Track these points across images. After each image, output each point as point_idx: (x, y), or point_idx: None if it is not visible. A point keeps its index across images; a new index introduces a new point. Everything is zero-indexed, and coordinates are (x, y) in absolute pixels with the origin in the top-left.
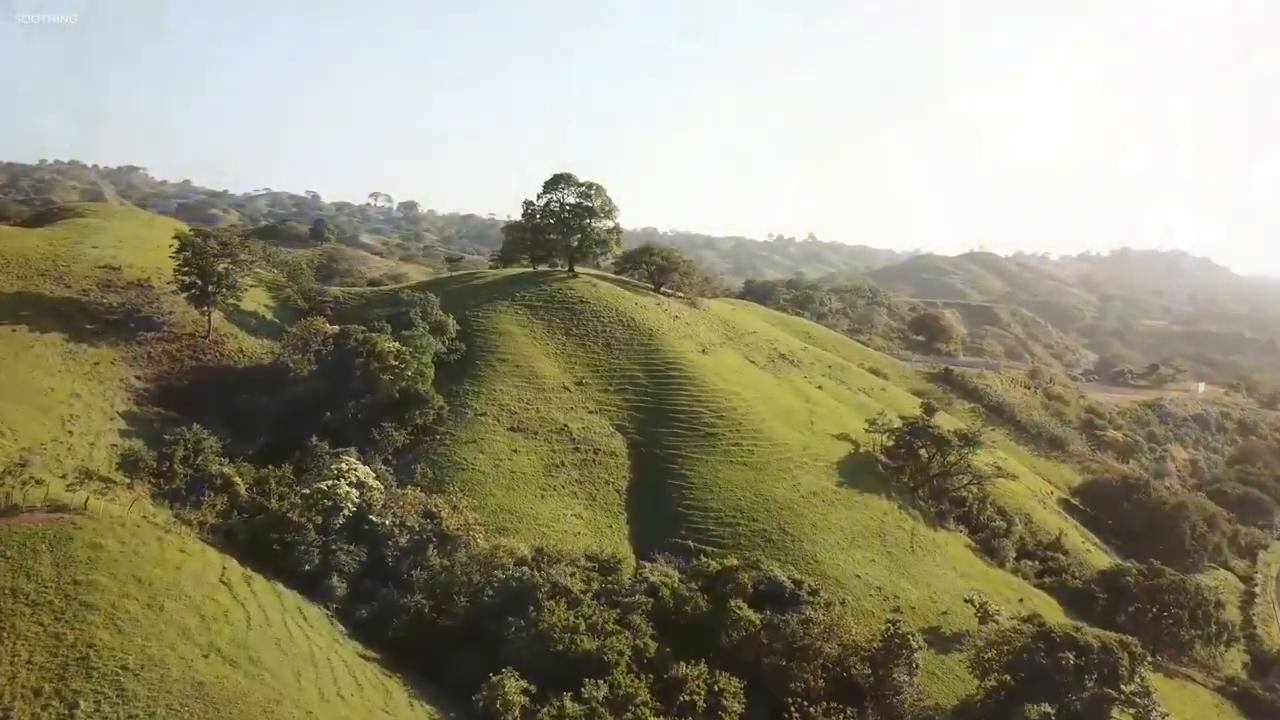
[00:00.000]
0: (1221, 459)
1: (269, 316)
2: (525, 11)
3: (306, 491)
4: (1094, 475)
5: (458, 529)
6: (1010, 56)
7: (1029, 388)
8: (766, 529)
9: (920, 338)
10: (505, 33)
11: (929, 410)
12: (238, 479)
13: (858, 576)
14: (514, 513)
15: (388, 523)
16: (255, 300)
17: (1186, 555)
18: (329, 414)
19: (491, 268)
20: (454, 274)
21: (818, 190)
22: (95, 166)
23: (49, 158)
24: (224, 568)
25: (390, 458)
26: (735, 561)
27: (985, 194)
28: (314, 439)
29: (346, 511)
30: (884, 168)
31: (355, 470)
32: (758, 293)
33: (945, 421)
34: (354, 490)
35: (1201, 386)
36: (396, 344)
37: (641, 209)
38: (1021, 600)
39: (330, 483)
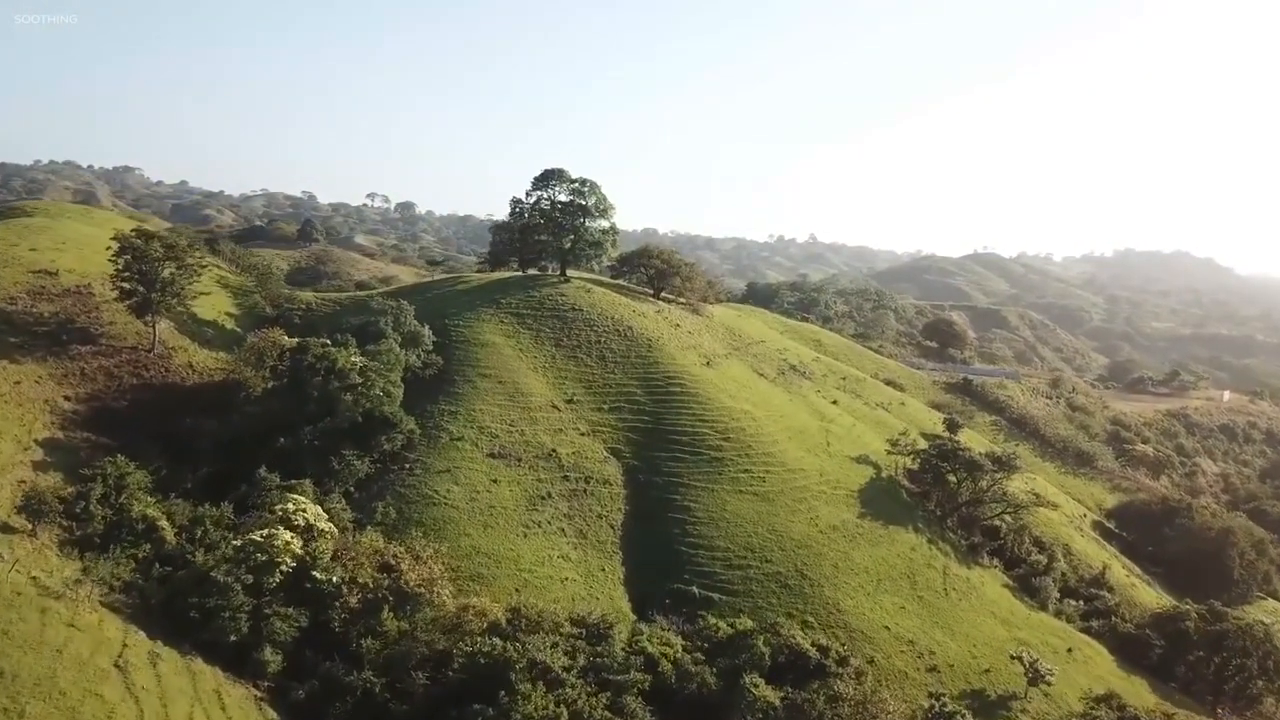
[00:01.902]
0: (1254, 473)
1: (229, 326)
2: (526, 11)
3: (238, 543)
4: (1128, 495)
5: (419, 584)
6: (1011, 56)
7: (1051, 398)
8: (782, 572)
9: (933, 344)
10: (505, 33)
11: (953, 427)
12: (165, 522)
13: (886, 628)
14: (491, 556)
15: (335, 579)
16: (216, 308)
17: (1234, 585)
18: (282, 440)
19: (478, 271)
20: (436, 278)
21: (818, 190)
22: (90, 167)
23: (44, 158)
24: (125, 645)
25: (352, 490)
26: (749, 624)
27: (986, 193)
28: (263, 470)
29: (284, 567)
30: (884, 167)
31: (304, 510)
32: (760, 296)
33: (968, 438)
34: (295, 539)
35: (1226, 394)
36: (361, 359)
37: (640, 209)
38: (1070, 650)
39: (267, 531)
